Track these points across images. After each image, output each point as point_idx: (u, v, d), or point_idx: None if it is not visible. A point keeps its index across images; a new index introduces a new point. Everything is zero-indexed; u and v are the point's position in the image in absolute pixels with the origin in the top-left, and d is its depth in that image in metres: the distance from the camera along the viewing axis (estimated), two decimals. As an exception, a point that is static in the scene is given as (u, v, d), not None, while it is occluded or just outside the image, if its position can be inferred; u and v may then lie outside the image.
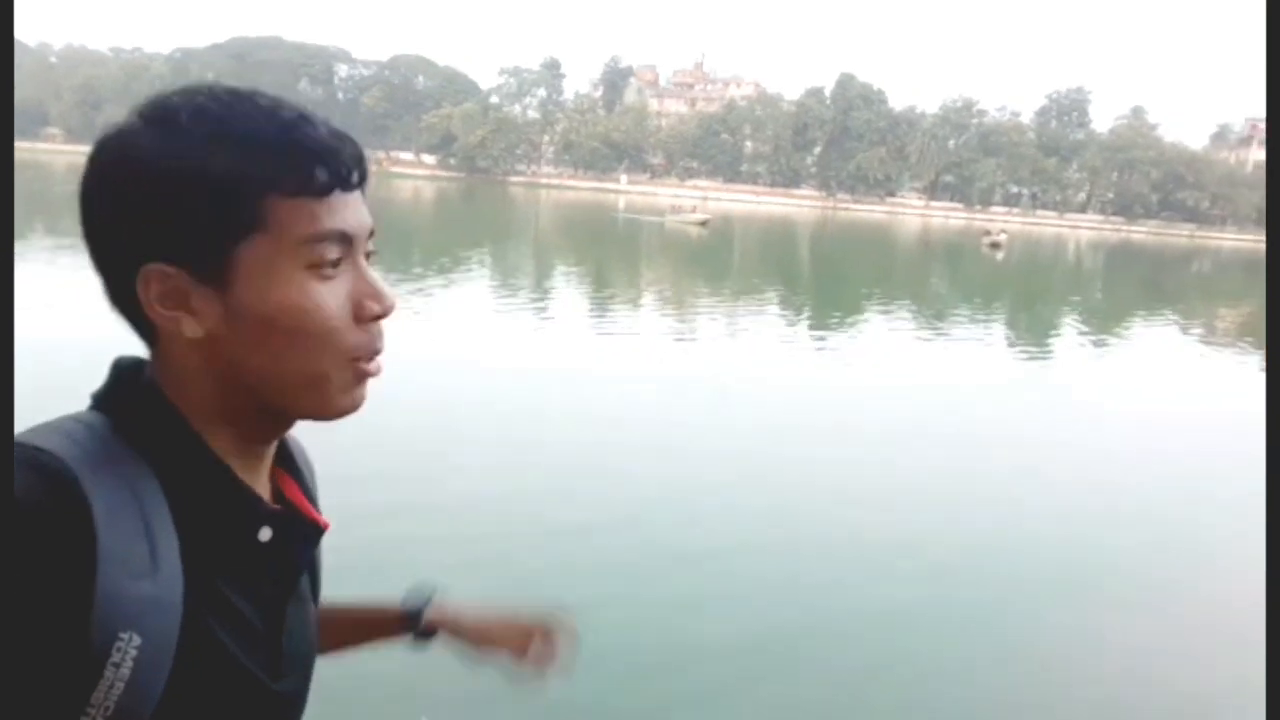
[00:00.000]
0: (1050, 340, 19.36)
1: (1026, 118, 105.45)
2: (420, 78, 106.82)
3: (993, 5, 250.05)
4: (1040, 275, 39.86)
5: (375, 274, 0.78)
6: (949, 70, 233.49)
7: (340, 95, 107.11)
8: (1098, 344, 19.30)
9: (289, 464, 0.88)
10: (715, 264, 32.90)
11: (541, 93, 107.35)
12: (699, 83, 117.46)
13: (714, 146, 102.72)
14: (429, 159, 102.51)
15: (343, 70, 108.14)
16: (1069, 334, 20.54)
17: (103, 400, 0.76)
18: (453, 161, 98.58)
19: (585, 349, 13.68)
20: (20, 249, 20.18)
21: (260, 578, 0.79)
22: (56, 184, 49.66)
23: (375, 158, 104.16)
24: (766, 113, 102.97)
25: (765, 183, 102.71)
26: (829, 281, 29.51)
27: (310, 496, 0.89)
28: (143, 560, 0.67)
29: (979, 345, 17.10)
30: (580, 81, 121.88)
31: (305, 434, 0.87)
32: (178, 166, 0.72)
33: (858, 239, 56.36)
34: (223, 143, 0.72)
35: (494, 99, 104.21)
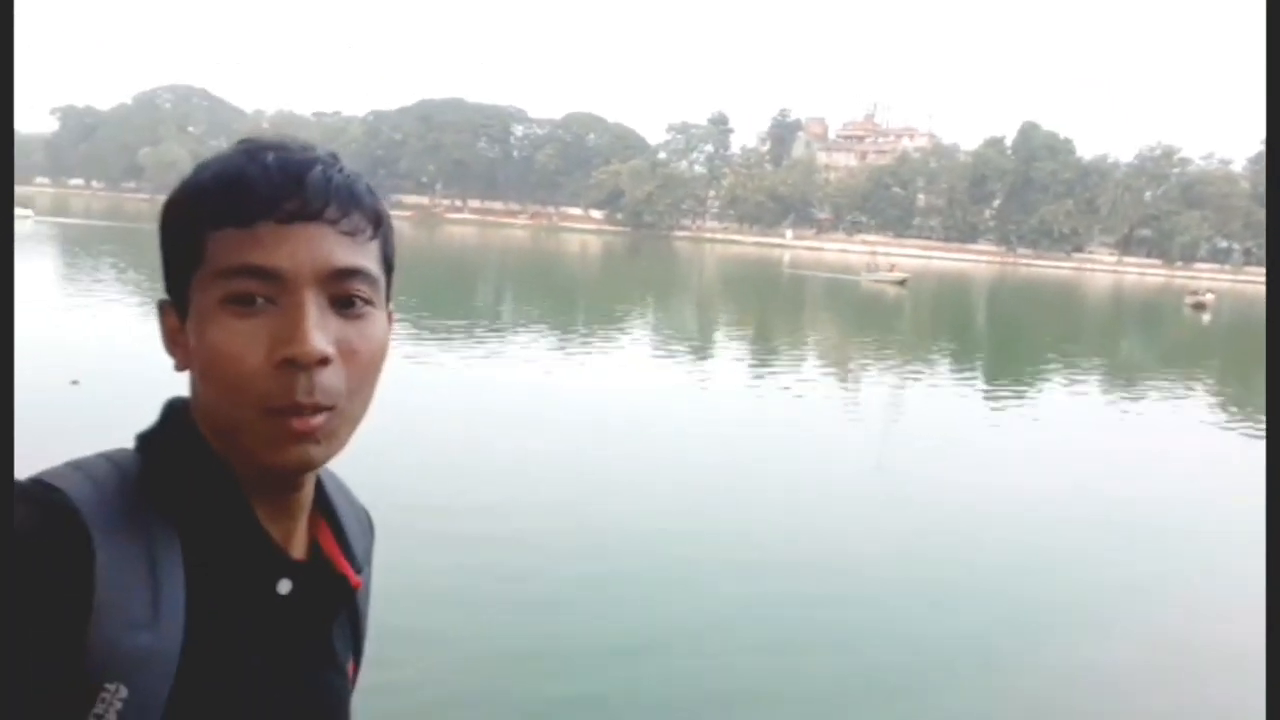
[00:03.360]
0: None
1: (1238, 166, 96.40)
2: (591, 135, 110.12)
3: (1201, 46, 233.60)
4: (1254, 339, 35.29)
5: (314, 316, 0.71)
6: (1146, 117, 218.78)
7: (515, 153, 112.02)
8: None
9: (331, 515, 0.85)
10: (943, 329, 30.58)
11: (709, 148, 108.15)
12: (869, 134, 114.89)
13: (884, 200, 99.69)
14: (596, 214, 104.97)
15: (518, 130, 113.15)
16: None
17: (143, 440, 0.76)
18: (619, 217, 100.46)
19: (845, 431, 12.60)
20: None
21: (279, 632, 0.76)
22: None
23: (545, 213, 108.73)
24: (941, 164, 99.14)
25: (939, 237, 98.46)
26: (1094, 351, 26.64)
27: (350, 553, 0.84)
28: (144, 611, 0.67)
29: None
30: (748, 136, 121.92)
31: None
32: (168, 211, 0.76)
33: (1069, 298, 52.89)
34: (196, 184, 0.74)
35: (661, 155, 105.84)
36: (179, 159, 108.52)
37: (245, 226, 0.71)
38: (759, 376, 16.77)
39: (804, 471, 9.71)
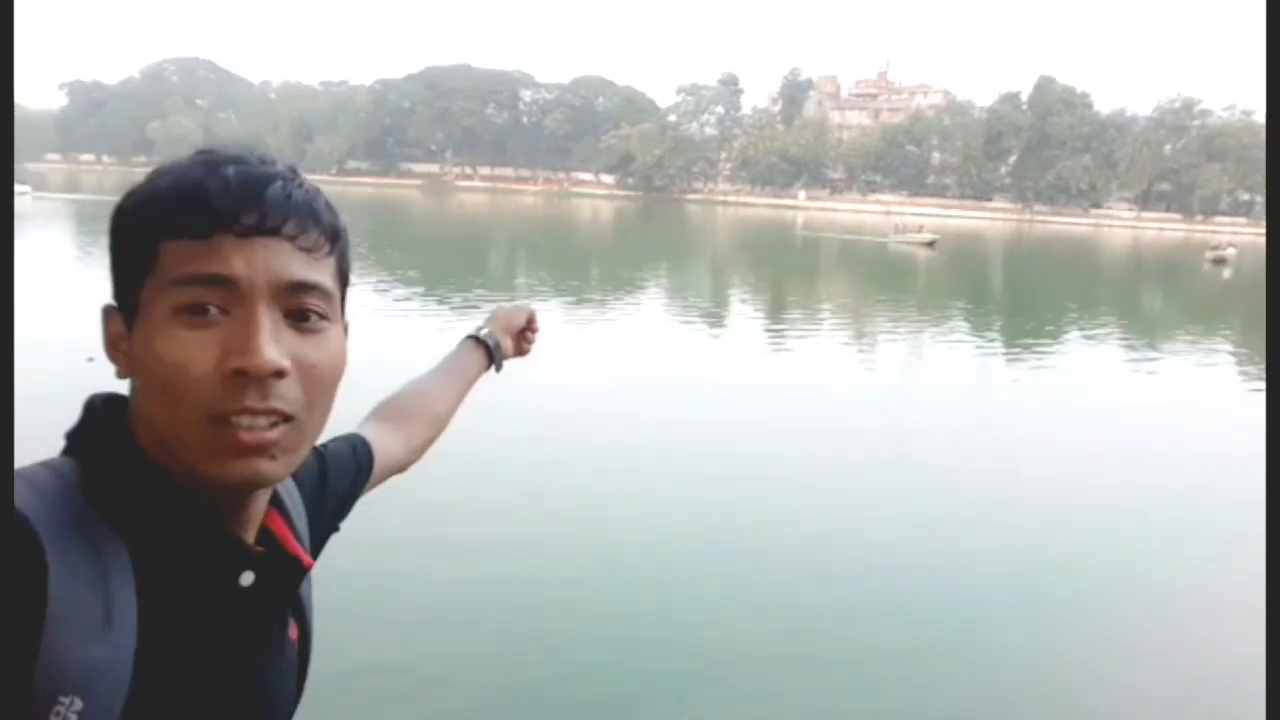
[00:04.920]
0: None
1: (1260, 116, 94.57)
2: (600, 99, 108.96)
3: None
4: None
5: (267, 329, 0.71)
6: (1165, 69, 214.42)
7: (524, 119, 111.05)
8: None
9: (276, 498, 0.84)
10: (989, 294, 28.92)
11: (719, 109, 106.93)
12: (883, 93, 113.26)
13: (898, 159, 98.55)
14: (607, 179, 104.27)
15: (527, 95, 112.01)
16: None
17: (72, 443, 0.75)
18: (630, 181, 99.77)
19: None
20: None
21: (236, 623, 0.76)
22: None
23: (556, 179, 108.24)
24: (956, 122, 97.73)
25: (954, 195, 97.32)
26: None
27: (295, 530, 0.85)
28: (96, 621, 0.66)
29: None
30: (759, 96, 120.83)
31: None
32: (119, 218, 0.75)
33: (1089, 256, 51.94)
34: (150, 192, 0.73)
35: (672, 117, 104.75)
36: (189, 132, 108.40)
37: (202, 238, 0.70)
38: (809, 351, 16.24)
39: (888, 453, 9.29)
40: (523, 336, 1.44)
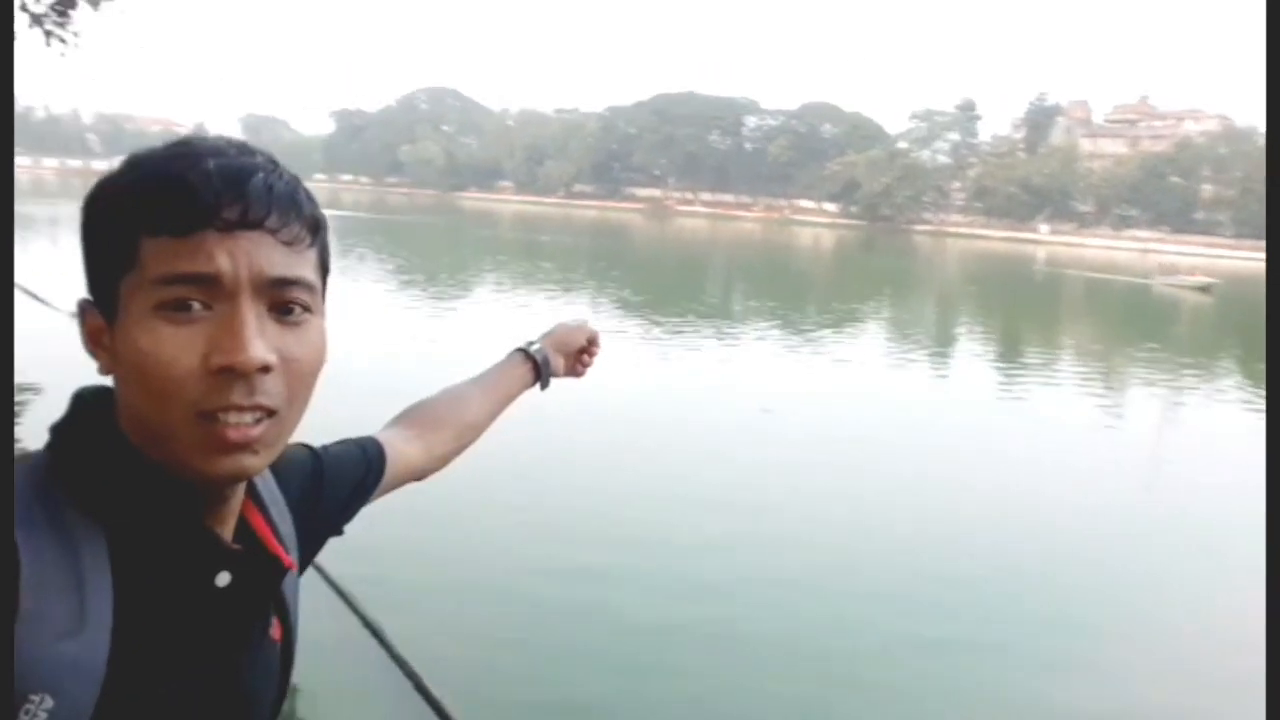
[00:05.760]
0: None
1: None
2: (826, 125, 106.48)
3: None
4: None
5: (252, 324, 0.70)
6: None
7: (748, 145, 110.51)
8: None
9: (255, 493, 0.84)
10: None
11: (954, 136, 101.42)
12: (1143, 119, 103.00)
13: (1159, 191, 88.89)
14: (830, 207, 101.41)
15: (751, 121, 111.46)
16: None
17: (56, 436, 0.74)
18: (854, 209, 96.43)
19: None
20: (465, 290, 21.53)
21: (217, 623, 0.75)
22: (503, 229, 56.34)
23: (777, 206, 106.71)
24: (1234, 150, 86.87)
25: (1228, 234, 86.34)
26: None
27: (276, 528, 0.84)
28: (69, 619, 0.65)
29: None
30: (999, 123, 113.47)
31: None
32: (93, 209, 0.73)
33: None
34: (127, 184, 0.72)
35: (901, 144, 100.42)
36: (433, 155, 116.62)
37: (184, 235, 0.68)
38: (1048, 401, 13.86)
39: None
40: (578, 358, 1.38)
